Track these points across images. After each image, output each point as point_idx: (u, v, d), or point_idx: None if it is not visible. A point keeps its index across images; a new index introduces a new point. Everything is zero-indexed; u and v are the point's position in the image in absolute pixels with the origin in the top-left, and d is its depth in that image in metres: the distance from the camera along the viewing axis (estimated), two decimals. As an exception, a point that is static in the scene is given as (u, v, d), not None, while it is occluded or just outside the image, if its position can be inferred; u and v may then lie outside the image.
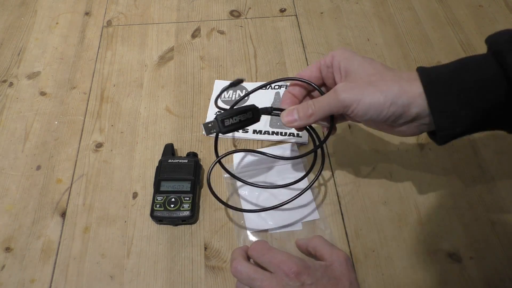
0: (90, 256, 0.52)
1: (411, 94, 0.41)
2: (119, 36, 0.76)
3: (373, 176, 0.58)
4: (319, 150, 0.52)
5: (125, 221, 0.55)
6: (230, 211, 0.55)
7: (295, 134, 0.62)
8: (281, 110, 0.49)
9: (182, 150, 0.61)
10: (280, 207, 0.50)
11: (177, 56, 0.72)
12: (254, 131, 0.62)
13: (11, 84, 0.69)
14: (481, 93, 0.40)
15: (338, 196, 0.57)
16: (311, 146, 0.61)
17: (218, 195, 0.51)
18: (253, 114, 0.49)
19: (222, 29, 0.76)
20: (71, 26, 0.77)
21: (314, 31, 0.75)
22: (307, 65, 0.70)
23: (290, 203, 0.50)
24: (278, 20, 0.77)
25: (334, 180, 0.58)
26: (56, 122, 0.65)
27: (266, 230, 0.54)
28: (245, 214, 0.55)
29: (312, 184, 0.51)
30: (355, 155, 0.60)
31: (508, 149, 0.60)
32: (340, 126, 0.63)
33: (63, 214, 0.56)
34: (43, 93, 0.68)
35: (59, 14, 0.79)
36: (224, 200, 0.55)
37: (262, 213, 0.54)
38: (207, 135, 0.49)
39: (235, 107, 0.50)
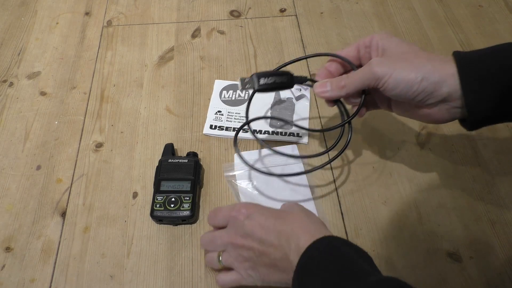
0: (90, 256, 0.52)
1: (444, 73, 0.41)
2: (119, 36, 0.76)
3: (373, 176, 0.58)
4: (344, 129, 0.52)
5: (125, 221, 0.55)
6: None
7: (295, 134, 0.62)
8: (315, 81, 0.50)
9: (182, 150, 0.61)
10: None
11: (177, 56, 0.72)
12: (255, 131, 0.62)
13: (11, 84, 0.69)
14: None
15: (338, 196, 0.57)
16: (311, 146, 0.61)
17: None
18: (287, 79, 0.50)
19: (222, 29, 0.76)
20: (71, 26, 0.77)
21: (314, 31, 0.75)
22: (307, 65, 0.70)
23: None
24: (278, 20, 0.77)
25: (334, 180, 0.58)
26: (56, 122, 0.65)
27: None
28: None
29: (333, 160, 0.51)
30: (355, 155, 0.60)
31: (508, 149, 0.60)
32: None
33: (63, 214, 0.56)
34: (43, 93, 0.68)
35: (59, 14, 0.79)
36: (225, 198, 0.55)
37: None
38: (241, 90, 0.50)
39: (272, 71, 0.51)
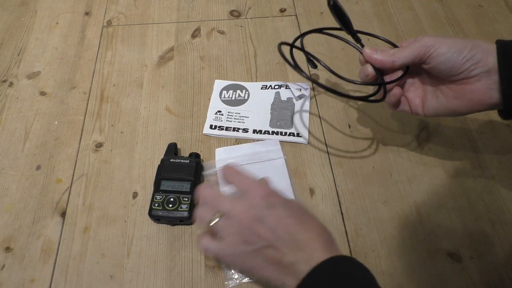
0: (90, 256, 0.52)
1: (491, 46, 0.44)
2: (119, 36, 0.76)
3: (373, 176, 0.58)
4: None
5: (125, 221, 0.55)
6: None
7: (295, 134, 0.62)
8: (363, 32, 0.55)
9: (182, 150, 0.61)
10: None
11: (177, 56, 0.72)
12: (254, 131, 0.62)
13: (11, 84, 0.69)
14: None
15: (338, 196, 0.57)
16: (310, 147, 0.61)
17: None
18: (351, 27, 0.52)
19: (222, 29, 0.76)
20: (71, 26, 0.77)
21: (314, 31, 0.75)
22: (308, 65, 0.70)
23: None
24: (278, 20, 0.77)
25: (334, 179, 0.58)
26: (56, 122, 0.65)
27: None
28: None
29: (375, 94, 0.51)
30: (355, 155, 0.60)
31: (508, 149, 0.60)
32: (340, 126, 0.63)
33: (63, 214, 0.56)
34: (43, 93, 0.68)
35: (59, 14, 0.79)
36: None
37: None
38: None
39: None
